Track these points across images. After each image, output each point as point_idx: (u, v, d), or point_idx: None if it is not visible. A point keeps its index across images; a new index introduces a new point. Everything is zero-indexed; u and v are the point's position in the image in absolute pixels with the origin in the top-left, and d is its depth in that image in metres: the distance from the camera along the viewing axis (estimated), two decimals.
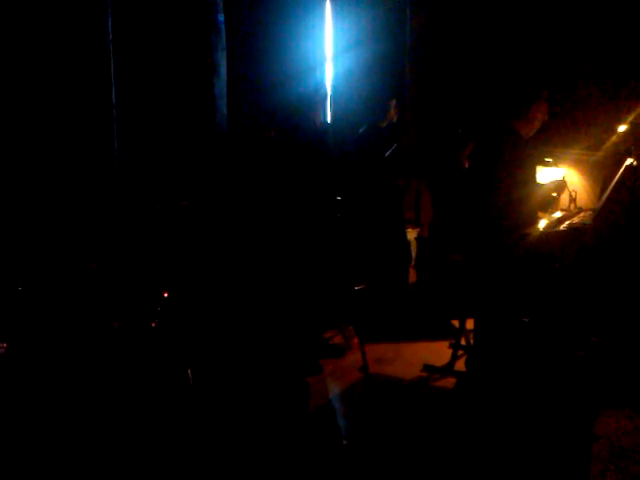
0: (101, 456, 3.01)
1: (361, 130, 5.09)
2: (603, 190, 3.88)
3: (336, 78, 6.08)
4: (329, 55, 6.06)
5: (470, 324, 3.96)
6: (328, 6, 6.09)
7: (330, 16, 6.11)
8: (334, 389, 3.94)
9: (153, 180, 4.68)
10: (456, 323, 4.23)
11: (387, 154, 4.97)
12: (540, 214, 4.21)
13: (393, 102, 4.98)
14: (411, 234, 5.12)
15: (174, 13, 4.98)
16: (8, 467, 2.86)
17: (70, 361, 3.28)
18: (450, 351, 4.12)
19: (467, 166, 4.40)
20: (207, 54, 5.11)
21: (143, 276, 3.88)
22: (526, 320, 3.70)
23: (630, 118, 4.44)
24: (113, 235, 4.12)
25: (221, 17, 5.20)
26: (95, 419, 3.16)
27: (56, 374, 3.22)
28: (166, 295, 3.76)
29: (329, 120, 5.86)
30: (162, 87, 4.93)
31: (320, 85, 5.72)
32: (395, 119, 5.05)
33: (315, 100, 4.70)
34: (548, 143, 4.84)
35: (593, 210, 3.98)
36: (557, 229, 3.84)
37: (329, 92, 5.94)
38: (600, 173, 4.48)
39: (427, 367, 4.12)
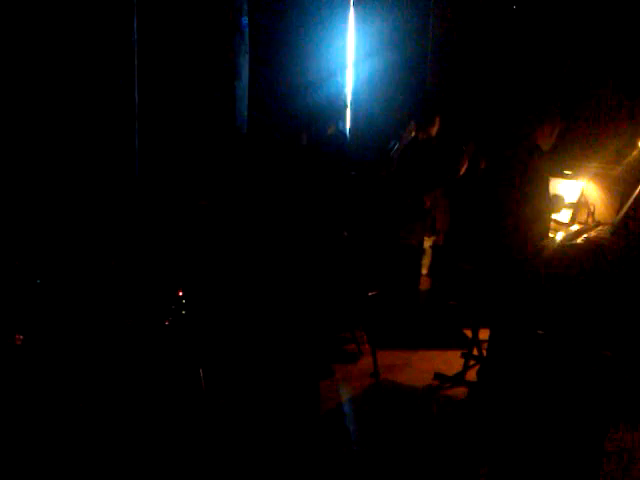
0: (112, 450, 3.03)
1: (394, 144, 5.02)
2: (622, 205, 3.86)
3: (357, 84, 6.10)
4: (351, 61, 6.08)
5: (483, 334, 3.95)
6: (351, 12, 6.11)
7: (353, 22, 6.13)
8: (345, 393, 3.95)
9: (172, 180, 4.72)
10: (469, 333, 4.22)
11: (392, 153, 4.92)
12: (557, 226, 4.20)
13: (437, 118, 4.90)
14: (427, 242, 5.11)
15: (198, 15, 5.03)
16: (22, 457, 2.90)
17: (84, 355, 3.31)
18: (462, 360, 4.11)
19: (483, 175, 4.39)
20: (230, 57, 5.16)
21: (159, 274, 3.91)
22: (540, 332, 3.69)
23: None
24: (132, 233, 4.16)
25: (245, 20, 5.24)
26: (106, 414, 3.19)
27: (70, 368, 3.26)
28: (180, 294, 3.79)
29: (349, 126, 5.87)
30: (184, 88, 4.98)
31: (341, 91, 5.75)
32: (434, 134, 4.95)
33: (335, 106, 4.72)
34: (567, 155, 4.82)
35: (611, 224, 3.96)
36: (574, 242, 3.82)
37: (350, 98, 5.95)
38: (619, 187, 4.44)
39: (438, 375, 4.11)
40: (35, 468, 2.88)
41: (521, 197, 3.68)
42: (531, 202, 3.70)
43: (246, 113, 5.35)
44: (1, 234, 3.67)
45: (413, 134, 4.86)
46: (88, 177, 4.34)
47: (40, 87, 4.28)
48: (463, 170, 4.72)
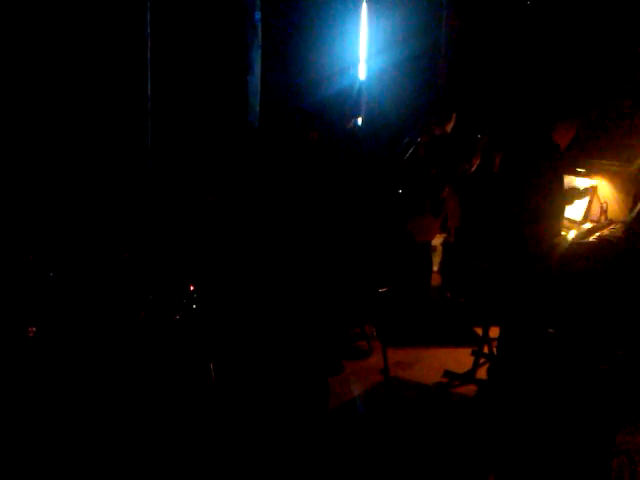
0: (122, 443, 3.06)
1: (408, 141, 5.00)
2: (635, 203, 3.84)
3: (370, 79, 6.07)
4: (363, 56, 6.06)
5: (493, 332, 3.94)
6: (364, 7, 6.09)
7: (365, 17, 6.10)
8: (355, 390, 3.96)
9: (185, 174, 4.73)
10: (479, 330, 4.22)
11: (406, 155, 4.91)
12: (569, 224, 4.18)
13: (454, 115, 4.89)
14: (437, 240, 5.10)
15: (212, 9, 5.03)
16: (35, 447, 2.93)
17: (97, 347, 3.33)
18: (472, 358, 4.10)
19: (497, 173, 4.37)
20: (243, 51, 5.15)
21: (171, 268, 3.93)
22: (551, 331, 3.67)
23: None
24: (144, 226, 4.18)
25: (258, 15, 5.24)
26: (118, 406, 3.21)
27: (83, 360, 3.28)
28: (192, 288, 3.80)
29: (361, 121, 5.85)
30: (197, 82, 4.98)
31: (353, 86, 5.73)
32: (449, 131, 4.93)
33: (348, 101, 4.71)
34: (581, 152, 4.79)
35: (624, 223, 3.94)
36: (587, 240, 3.80)
37: (362, 92, 5.93)
38: (633, 186, 4.41)
39: (448, 373, 4.11)
40: (49, 459, 2.91)
41: (536, 195, 3.67)
42: (546, 200, 3.69)
43: (258, 108, 5.35)
44: (16, 228, 3.70)
45: (434, 129, 4.86)
46: (101, 171, 4.36)
47: (54, 83, 4.30)
48: (475, 166, 4.70)
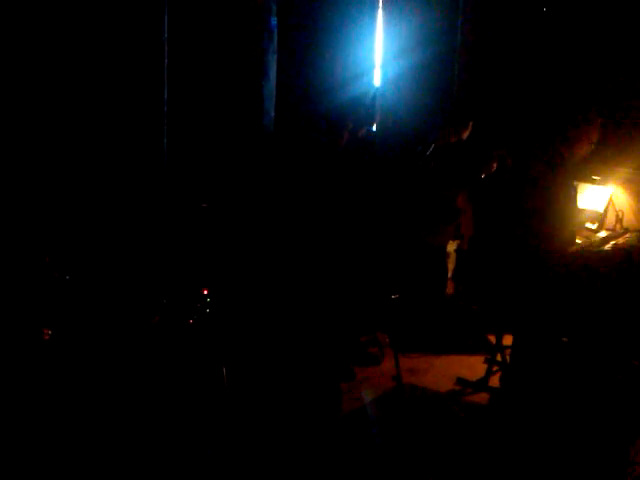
0: (136, 444, 3.08)
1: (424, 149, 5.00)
2: None
3: (385, 84, 6.08)
4: (379, 61, 6.06)
5: (507, 340, 3.93)
6: (380, 12, 6.09)
7: (381, 22, 6.11)
8: (366, 396, 3.96)
9: (200, 178, 4.76)
10: (492, 338, 4.20)
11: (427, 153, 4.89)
12: (584, 233, 4.16)
13: (471, 123, 4.88)
14: (451, 246, 5.09)
15: (228, 14, 5.06)
16: (49, 448, 2.95)
17: (112, 351, 3.36)
18: (485, 366, 4.09)
19: (510, 180, 4.36)
20: (258, 56, 5.18)
21: (184, 272, 3.95)
22: (565, 340, 3.65)
23: None
24: (159, 230, 4.21)
25: (274, 20, 5.26)
26: (132, 409, 3.23)
27: (97, 363, 3.31)
28: (205, 293, 3.82)
29: (376, 127, 5.85)
30: (213, 86, 5.01)
31: (369, 91, 5.72)
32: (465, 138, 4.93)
33: (363, 106, 4.71)
34: (596, 160, 4.77)
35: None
36: (601, 249, 3.77)
37: (377, 98, 5.93)
38: None
39: (460, 380, 4.10)
40: (65, 458, 2.93)
41: (548, 203, 3.66)
42: (558, 208, 3.68)
43: (273, 113, 5.37)
44: (32, 231, 3.73)
45: (450, 136, 4.85)
46: (118, 175, 4.39)
47: (72, 90, 4.34)
48: (492, 169, 4.69)
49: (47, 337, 3.29)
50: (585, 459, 3.13)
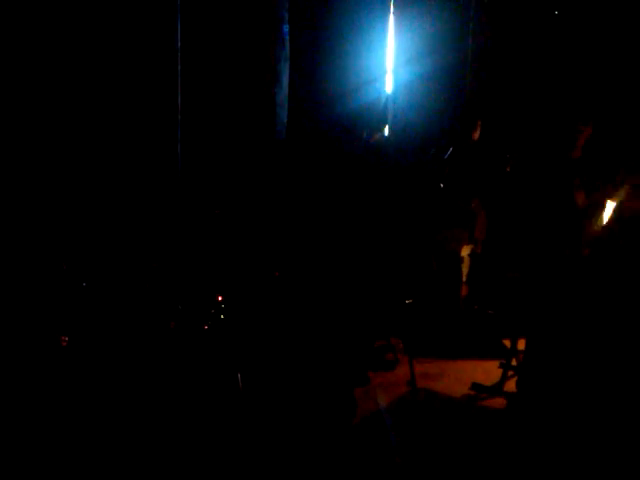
0: (152, 447, 3.10)
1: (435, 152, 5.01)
2: None
3: (396, 90, 6.09)
4: (390, 67, 6.07)
5: (522, 344, 3.92)
6: (391, 18, 6.11)
7: (392, 28, 6.12)
8: (381, 401, 3.96)
9: (213, 185, 4.79)
10: (507, 343, 4.19)
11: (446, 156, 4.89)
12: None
13: (479, 122, 4.89)
14: (465, 251, 5.08)
15: (241, 22, 5.10)
16: (69, 452, 2.98)
17: (128, 356, 3.39)
18: (500, 371, 4.07)
19: (524, 183, 4.36)
20: (270, 64, 5.21)
21: (199, 279, 3.97)
22: (581, 343, 3.64)
23: None
24: (173, 237, 4.24)
25: (286, 28, 5.29)
26: (148, 413, 3.25)
27: (114, 368, 3.34)
28: (220, 299, 3.84)
29: (388, 132, 5.87)
30: (226, 94, 5.05)
31: (380, 97, 5.74)
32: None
33: (375, 112, 4.73)
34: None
35: None
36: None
37: (389, 104, 5.94)
38: None
39: (475, 385, 4.09)
40: (83, 459, 2.96)
41: (563, 206, 3.66)
42: (573, 211, 3.68)
43: (285, 119, 5.40)
44: (49, 238, 3.78)
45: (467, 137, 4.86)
46: (133, 182, 4.44)
47: (83, 92, 4.39)
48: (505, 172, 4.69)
49: (65, 344, 3.32)
50: (603, 462, 3.11)
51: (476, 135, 4.81)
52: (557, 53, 5.36)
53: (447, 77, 5.91)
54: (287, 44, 5.38)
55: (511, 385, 3.96)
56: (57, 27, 4.28)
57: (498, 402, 3.93)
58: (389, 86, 6.03)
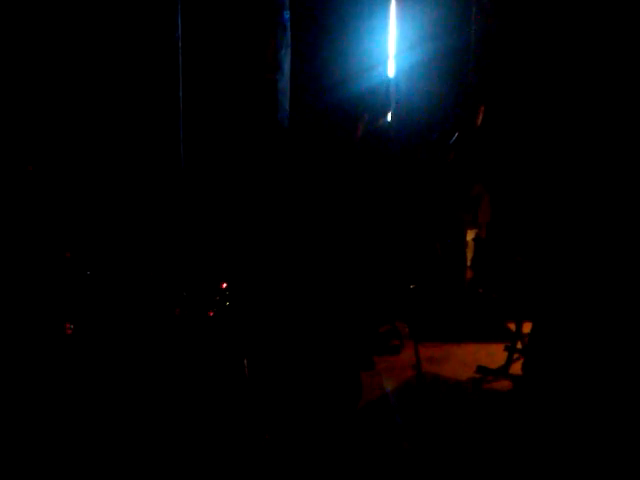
0: (158, 437, 3.11)
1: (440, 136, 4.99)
2: None
3: (399, 75, 6.06)
4: (392, 53, 6.04)
5: (527, 327, 3.91)
6: (393, 3, 6.08)
7: (394, 13, 6.09)
8: (387, 385, 3.97)
9: (216, 173, 4.79)
10: (512, 326, 4.19)
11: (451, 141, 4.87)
12: None
13: (482, 108, 4.87)
14: (469, 235, 5.08)
15: (241, 10, 5.08)
16: (73, 443, 3.00)
17: (133, 344, 3.40)
18: (505, 354, 4.08)
19: (529, 167, 4.34)
20: (272, 51, 5.19)
21: (204, 265, 3.98)
22: (587, 325, 3.63)
23: None
24: (178, 225, 4.25)
25: (287, 14, 5.27)
26: (154, 402, 3.27)
27: (120, 356, 3.35)
28: (224, 286, 3.85)
29: (390, 117, 5.84)
30: (227, 82, 5.04)
31: (383, 82, 5.72)
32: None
33: (378, 98, 4.72)
34: None
35: None
36: None
37: (392, 89, 5.92)
38: None
39: (481, 369, 4.10)
40: (89, 447, 2.98)
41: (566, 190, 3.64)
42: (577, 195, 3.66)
43: (287, 107, 5.38)
44: (53, 227, 3.79)
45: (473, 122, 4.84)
46: (136, 170, 4.44)
47: (84, 84, 4.39)
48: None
49: (70, 332, 3.34)
50: (608, 444, 3.11)
51: (479, 120, 4.79)
52: (560, 38, 5.31)
53: (450, 62, 5.88)
54: (288, 31, 5.35)
55: (516, 368, 3.96)
56: (58, 23, 4.27)
57: (504, 385, 3.93)
58: (391, 71, 6.00)
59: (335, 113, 5.01)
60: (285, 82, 5.39)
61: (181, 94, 4.80)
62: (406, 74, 5.96)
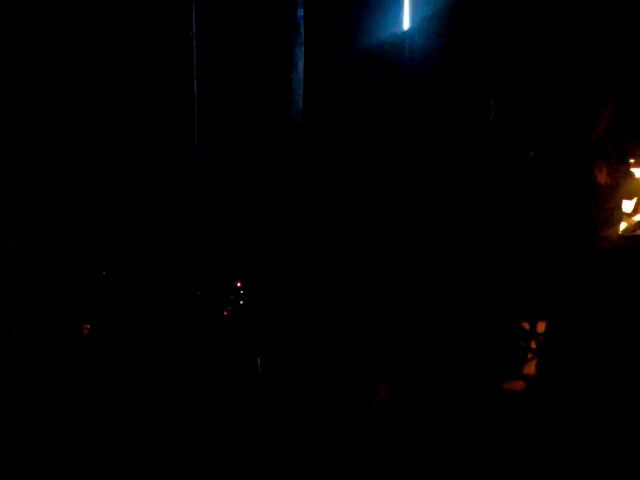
0: (173, 434, 3.15)
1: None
2: None
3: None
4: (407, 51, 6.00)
5: (541, 327, 3.90)
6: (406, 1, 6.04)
7: (408, 9, 6.05)
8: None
9: (231, 171, 4.81)
10: (526, 325, 4.16)
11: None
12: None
13: (493, 102, 4.83)
14: None
15: (255, 7, 5.09)
16: (88, 440, 3.04)
17: (149, 343, 3.44)
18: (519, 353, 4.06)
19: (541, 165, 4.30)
20: (286, 48, 5.19)
21: (218, 264, 4.00)
22: (603, 327, 3.61)
23: None
24: (192, 225, 4.27)
25: (300, 12, 5.26)
26: (168, 400, 3.30)
27: (136, 355, 3.39)
28: (239, 285, 3.87)
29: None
30: (241, 80, 5.05)
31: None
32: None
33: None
34: (631, 142, 4.67)
35: None
36: (636, 234, 3.72)
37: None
38: None
39: None
40: (108, 440, 3.02)
41: (586, 188, 3.63)
42: (595, 192, 3.65)
43: (301, 104, 5.38)
44: (71, 229, 3.83)
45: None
46: (151, 170, 4.47)
47: (100, 82, 4.42)
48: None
49: (86, 331, 3.38)
50: (625, 445, 3.10)
51: (491, 116, 4.75)
52: (578, 31, 5.25)
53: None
54: (302, 28, 5.34)
55: (530, 368, 3.94)
56: (74, 22, 4.31)
57: (517, 384, 3.92)
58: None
59: (349, 111, 5.00)
60: (299, 80, 5.38)
61: (196, 93, 4.83)
62: (420, 69, 5.90)
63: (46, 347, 3.30)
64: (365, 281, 4.18)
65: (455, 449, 3.26)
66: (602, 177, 3.81)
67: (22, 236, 3.63)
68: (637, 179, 4.08)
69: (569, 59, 5.20)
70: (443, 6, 5.46)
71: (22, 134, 4.13)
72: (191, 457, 3.06)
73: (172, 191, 4.49)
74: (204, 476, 3.00)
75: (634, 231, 3.75)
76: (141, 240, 3.97)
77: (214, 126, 4.93)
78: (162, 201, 4.40)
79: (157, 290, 3.64)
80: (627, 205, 4.30)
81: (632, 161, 4.58)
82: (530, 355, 4.03)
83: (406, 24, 5.67)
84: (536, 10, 5.42)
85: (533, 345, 4.04)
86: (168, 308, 3.60)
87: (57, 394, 3.17)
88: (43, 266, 3.59)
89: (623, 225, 3.95)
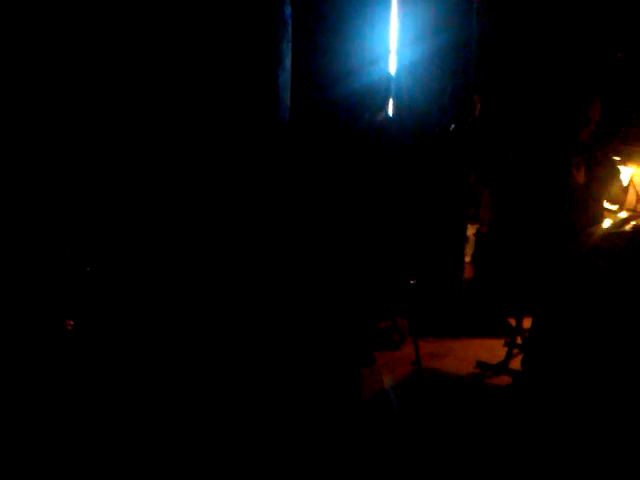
0: (159, 430, 3.14)
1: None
2: None
3: (400, 70, 6.04)
4: (393, 47, 6.02)
5: (527, 323, 3.92)
6: None
7: (395, 7, 6.07)
8: (386, 380, 3.98)
9: (219, 167, 4.79)
10: (512, 321, 4.19)
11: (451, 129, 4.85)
12: (605, 213, 4.11)
13: (477, 97, 4.87)
14: (470, 230, 5.07)
15: (242, 4, 5.08)
16: (76, 440, 3.02)
17: (133, 339, 3.43)
18: (504, 349, 4.08)
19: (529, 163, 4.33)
20: (273, 46, 5.19)
21: (203, 264, 3.99)
22: (587, 321, 3.63)
23: None
24: (182, 220, 4.25)
25: (288, 10, 5.26)
26: (153, 395, 3.29)
27: (119, 351, 3.38)
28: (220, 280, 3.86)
29: (391, 113, 5.83)
30: (228, 77, 5.04)
31: (384, 77, 5.69)
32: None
33: (378, 93, 4.71)
34: (616, 139, 4.70)
35: None
36: (622, 230, 3.74)
37: (392, 84, 5.90)
38: None
39: (480, 364, 4.10)
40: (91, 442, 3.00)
41: (571, 184, 3.66)
42: (581, 188, 3.67)
43: (289, 102, 5.37)
44: (54, 226, 3.81)
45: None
46: (133, 169, 4.45)
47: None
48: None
49: (70, 327, 3.37)
50: (607, 440, 3.12)
51: (477, 111, 4.79)
52: (563, 34, 5.28)
53: (451, 57, 5.84)
54: (289, 26, 5.34)
55: (516, 363, 3.97)
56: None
57: (504, 380, 3.94)
58: (393, 66, 5.98)
59: (336, 108, 5.01)
60: (286, 77, 5.38)
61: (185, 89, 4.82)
62: (407, 69, 5.94)
63: (30, 343, 3.28)
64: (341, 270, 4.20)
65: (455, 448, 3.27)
66: (580, 176, 3.83)
67: (4, 233, 3.60)
68: (621, 180, 4.11)
69: (555, 60, 5.24)
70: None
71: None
72: (184, 455, 3.05)
73: (160, 188, 4.47)
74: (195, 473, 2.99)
75: (619, 227, 3.77)
76: (124, 236, 3.95)
77: (199, 124, 4.92)
78: (149, 197, 4.38)
79: (140, 286, 3.63)
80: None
81: (618, 159, 4.63)
82: (516, 351, 4.05)
83: None
84: (523, 12, 5.47)
85: (519, 341, 4.06)
86: (152, 304, 3.59)
87: (41, 389, 3.15)
88: (27, 263, 3.56)
89: (608, 222, 3.97)
